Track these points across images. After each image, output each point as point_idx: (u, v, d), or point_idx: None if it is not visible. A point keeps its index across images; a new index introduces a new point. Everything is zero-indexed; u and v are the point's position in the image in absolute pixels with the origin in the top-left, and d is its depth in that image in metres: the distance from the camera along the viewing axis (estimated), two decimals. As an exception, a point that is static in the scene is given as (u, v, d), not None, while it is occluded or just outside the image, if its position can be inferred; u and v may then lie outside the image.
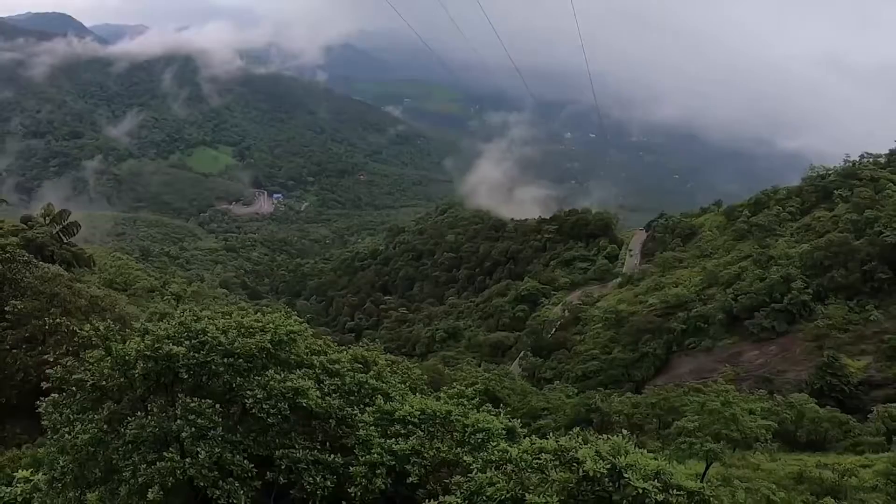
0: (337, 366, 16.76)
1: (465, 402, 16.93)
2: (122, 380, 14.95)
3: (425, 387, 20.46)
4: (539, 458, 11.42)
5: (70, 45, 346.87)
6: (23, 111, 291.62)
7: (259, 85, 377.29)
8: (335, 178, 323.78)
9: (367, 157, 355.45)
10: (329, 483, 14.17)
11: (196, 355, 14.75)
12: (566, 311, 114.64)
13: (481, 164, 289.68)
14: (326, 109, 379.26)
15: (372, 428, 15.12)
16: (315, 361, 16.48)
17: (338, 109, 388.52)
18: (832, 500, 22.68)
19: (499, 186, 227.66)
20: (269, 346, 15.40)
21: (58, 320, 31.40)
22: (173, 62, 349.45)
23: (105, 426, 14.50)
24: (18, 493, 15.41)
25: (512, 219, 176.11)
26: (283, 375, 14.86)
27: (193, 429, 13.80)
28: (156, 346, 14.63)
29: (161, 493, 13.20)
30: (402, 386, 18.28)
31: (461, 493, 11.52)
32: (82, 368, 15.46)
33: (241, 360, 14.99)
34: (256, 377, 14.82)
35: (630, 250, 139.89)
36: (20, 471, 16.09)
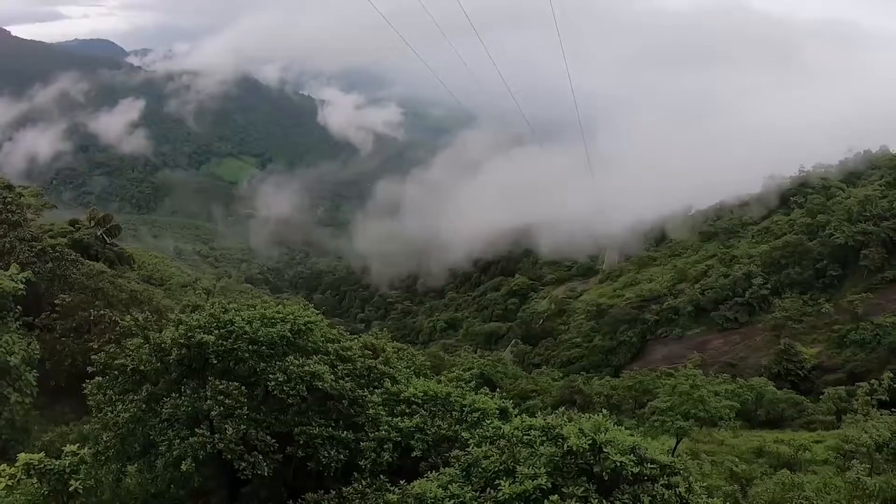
0: (349, 352, 16.74)
1: (463, 385, 16.94)
2: (158, 365, 14.97)
3: (428, 371, 20.48)
4: (528, 435, 11.42)
5: (112, 69, 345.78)
6: (70, 126, 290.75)
7: (280, 102, 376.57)
8: (347, 185, 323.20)
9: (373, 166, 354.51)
10: (342, 456, 14.18)
11: (224, 343, 14.73)
12: (553, 304, 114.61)
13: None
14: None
15: (380, 408, 15.12)
16: (330, 348, 16.46)
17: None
18: (788, 471, 22.64)
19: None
20: (288, 334, 15.38)
21: (101, 312, 31.49)
22: (204, 82, 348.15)
23: (144, 406, 14.49)
24: (67, 465, 15.40)
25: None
26: (301, 361, 14.85)
27: (222, 408, 13.79)
28: (189, 334, 14.62)
29: (193, 465, 13.23)
30: (407, 370, 18.30)
31: (459, 465, 11.52)
32: (123, 355, 15.49)
33: (264, 348, 14.98)
34: (278, 362, 14.80)
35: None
36: (68, 445, 16.05)
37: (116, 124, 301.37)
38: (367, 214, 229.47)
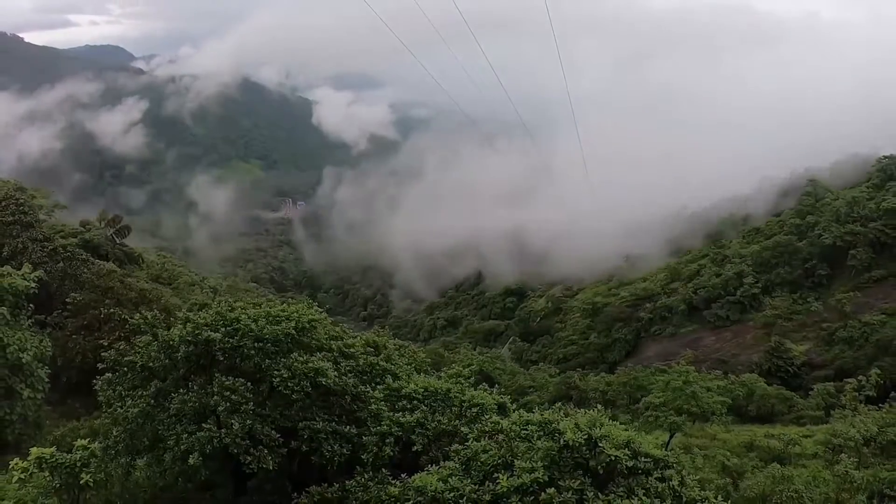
0: (352, 349, 16.75)
1: (463, 381, 16.90)
2: (166, 361, 14.98)
3: (428, 367, 20.43)
4: (526, 429, 11.42)
5: (118, 72, 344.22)
6: (72, 127, 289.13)
7: (282, 105, 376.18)
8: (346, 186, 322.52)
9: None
10: (345, 451, 14.20)
11: (230, 340, 14.75)
12: (549, 303, 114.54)
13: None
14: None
15: (382, 403, 15.11)
16: (333, 346, 16.46)
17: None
18: (778, 465, 22.65)
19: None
20: (293, 332, 15.39)
21: (111, 310, 31.51)
22: (208, 85, 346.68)
23: (152, 401, 14.52)
24: (77, 458, 15.42)
25: None
26: (305, 358, 14.86)
27: (228, 404, 13.81)
28: (196, 332, 14.64)
29: (200, 458, 13.25)
30: (408, 367, 18.26)
31: (459, 459, 11.52)
32: (133, 352, 15.51)
33: (269, 345, 14.99)
34: (282, 359, 14.81)
35: None
36: (79, 440, 16.07)
37: (120, 127, 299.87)
38: (359, 217, 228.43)
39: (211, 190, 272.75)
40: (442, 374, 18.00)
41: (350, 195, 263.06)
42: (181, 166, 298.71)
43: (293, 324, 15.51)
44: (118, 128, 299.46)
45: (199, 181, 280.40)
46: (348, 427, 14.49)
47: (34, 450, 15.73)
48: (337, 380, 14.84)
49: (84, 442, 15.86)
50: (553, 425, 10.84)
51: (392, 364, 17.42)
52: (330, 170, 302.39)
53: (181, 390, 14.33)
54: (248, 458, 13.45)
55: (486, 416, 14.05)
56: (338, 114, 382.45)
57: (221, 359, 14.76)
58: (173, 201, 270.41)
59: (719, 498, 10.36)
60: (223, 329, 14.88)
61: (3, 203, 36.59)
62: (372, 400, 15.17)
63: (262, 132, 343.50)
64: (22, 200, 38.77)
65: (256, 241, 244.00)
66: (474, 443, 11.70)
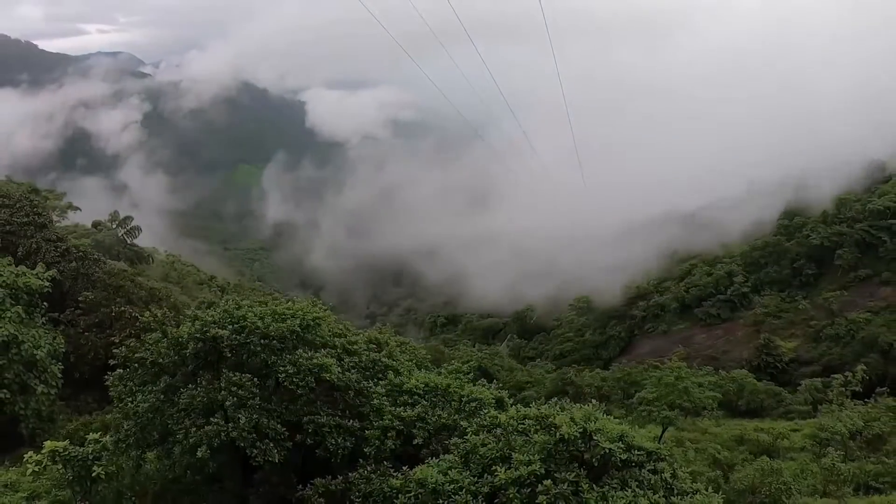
0: (355, 346, 16.75)
1: (462, 377, 16.93)
2: (176, 358, 14.98)
3: (429, 364, 20.45)
4: (523, 423, 11.45)
5: (125, 77, 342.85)
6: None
7: (285, 109, 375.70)
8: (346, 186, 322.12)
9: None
10: (348, 444, 14.22)
11: (237, 337, 14.76)
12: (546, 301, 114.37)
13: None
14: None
15: (384, 398, 15.14)
16: (337, 342, 16.46)
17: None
18: (767, 458, 22.68)
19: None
20: (298, 329, 15.40)
21: (122, 308, 31.49)
22: (213, 90, 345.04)
23: (162, 396, 14.53)
24: (90, 452, 15.44)
25: None
26: (310, 354, 14.86)
27: (235, 399, 13.82)
28: (204, 329, 14.64)
29: (208, 452, 13.26)
30: (410, 363, 18.28)
31: (458, 452, 11.55)
32: (143, 348, 15.50)
33: (275, 342, 15.00)
34: (288, 355, 14.82)
35: None
36: (91, 434, 16.09)
37: (119, 127, 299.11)
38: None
39: (212, 191, 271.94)
40: (442, 371, 18.00)
41: (349, 195, 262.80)
42: (183, 168, 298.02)
43: (298, 321, 15.53)
44: (118, 128, 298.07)
45: (201, 183, 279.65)
46: (351, 421, 14.49)
47: (48, 443, 15.75)
48: (341, 375, 14.85)
49: (96, 436, 15.88)
50: (549, 420, 10.86)
51: (394, 360, 17.43)
52: (329, 170, 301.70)
53: (190, 386, 14.33)
54: (255, 452, 13.47)
55: (485, 411, 14.08)
56: (338, 115, 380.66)
57: (229, 355, 14.76)
58: (174, 203, 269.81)
59: (710, 490, 10.39)
60: (230, 326, 14.89)
61: (18, 204, 36.54)
62: (374, 395, 15.18)
63: (266, 135, 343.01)
64: (36, 202, 38.78)
65: (263, 241, 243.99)
66: (473, 436, 11.73)
